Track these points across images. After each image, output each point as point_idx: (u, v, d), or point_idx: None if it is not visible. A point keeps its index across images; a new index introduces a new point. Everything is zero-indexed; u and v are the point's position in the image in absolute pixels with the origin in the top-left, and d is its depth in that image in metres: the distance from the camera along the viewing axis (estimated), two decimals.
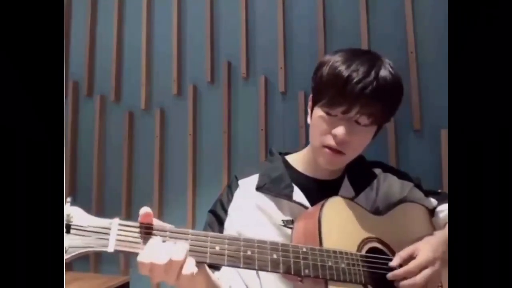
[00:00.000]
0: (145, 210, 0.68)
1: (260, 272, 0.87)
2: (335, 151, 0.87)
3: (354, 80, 0.82)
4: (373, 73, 0.83)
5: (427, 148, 1.52)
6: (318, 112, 0.88)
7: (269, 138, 1.71)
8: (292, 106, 1.68)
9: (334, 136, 0.85)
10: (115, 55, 1.96)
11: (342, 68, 0.84)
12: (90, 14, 2.02)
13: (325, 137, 0.87)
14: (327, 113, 0.86)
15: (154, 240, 0.66)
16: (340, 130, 0.84)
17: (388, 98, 0.86)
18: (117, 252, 0.65)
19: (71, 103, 2.00)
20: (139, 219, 0.68)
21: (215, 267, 0.85)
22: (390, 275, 0.80)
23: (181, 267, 0.65)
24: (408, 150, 1.54)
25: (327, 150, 0.87)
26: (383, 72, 0.84)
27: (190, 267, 0.66)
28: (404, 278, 0.80)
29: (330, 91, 0.84)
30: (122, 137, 1.92)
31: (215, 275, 0.84)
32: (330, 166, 0.91)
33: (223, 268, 0.87)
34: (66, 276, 1.71)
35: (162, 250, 0.65)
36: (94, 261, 1.88)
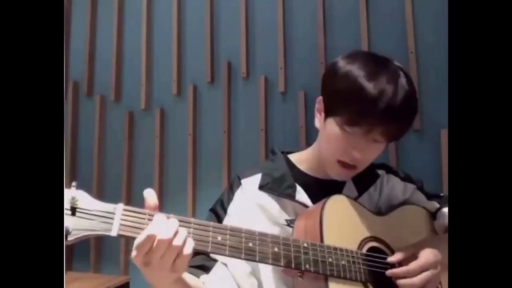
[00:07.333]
0: (148, 192, 0.72)
1: (262, 273, 0.87)
2: (349, 166, 0.87)
3: (383, 103, 0.78)
4: (400, 94, 0.80)
5: (427, 148, 1.52)
6: (334, 127, 0.85)
7: (269, 138, 1.71)
8: (292, 106, 1.69)
9: (350, 155, 0.85)
10: (115, 55, 1.96)
11: (369, 86, 0.79)
12: (90, 14, 2.02)
13: (341, 154, 0.86)
14: (344, 130, 0.83)
15: (159, 217, 0.66)
16: (357, 154, 0.84)
17: (409, 119, 0.86)
18: (120, 236, 0.65)
19: (71, 103, 2.00)
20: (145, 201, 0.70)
21: (204, 269, 0.84)
22: (389, 272, 0.80)
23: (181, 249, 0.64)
24: (408, 150, 1.54)
25: (340, 165, 0.87)
26: (407, 91, 0.82)
27: (190, 245, 0.64)
28: (404, 277, 0.79)
29: (352, 108, 0.80)
30: (122, 137, 1.92)
31: (200, 279, 0.82)
32: (340, 178, 0.92)
33: (213, 270, 0.85)
34: (66, 276, 1.71)
35: (167, 224, 0.64)
36: (94, 261, 1.88)
